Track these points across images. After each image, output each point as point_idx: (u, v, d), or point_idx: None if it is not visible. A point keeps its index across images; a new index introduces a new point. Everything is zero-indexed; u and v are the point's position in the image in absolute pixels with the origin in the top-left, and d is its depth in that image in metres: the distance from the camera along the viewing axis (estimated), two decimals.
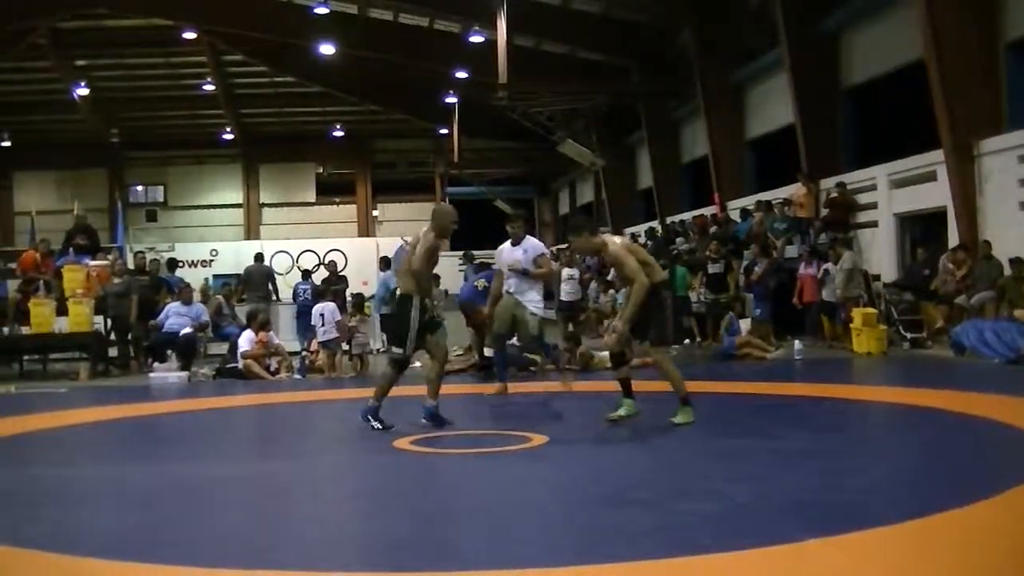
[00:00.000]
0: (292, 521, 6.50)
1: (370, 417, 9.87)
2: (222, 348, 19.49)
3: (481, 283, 16.37)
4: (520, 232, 12.84)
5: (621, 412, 9.75)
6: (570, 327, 19.89)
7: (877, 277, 20.74)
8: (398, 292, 11.05)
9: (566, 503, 6.65)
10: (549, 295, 17.69)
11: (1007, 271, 16.95)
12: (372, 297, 19.85)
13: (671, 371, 9.88)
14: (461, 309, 16.85)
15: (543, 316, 13.43)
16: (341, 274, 23.33)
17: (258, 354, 17.70)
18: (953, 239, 18.76)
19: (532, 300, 12.70)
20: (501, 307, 12.73)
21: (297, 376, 17.63)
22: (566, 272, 21.82)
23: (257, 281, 22.61)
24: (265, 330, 18.14)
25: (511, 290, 12.64)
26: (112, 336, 19.62)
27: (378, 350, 19.65)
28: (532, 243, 12.92)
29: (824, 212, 22.51)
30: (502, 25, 28.05)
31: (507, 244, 12.89)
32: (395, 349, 10.44)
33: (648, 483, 7.17)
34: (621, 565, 5.02)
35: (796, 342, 18.29)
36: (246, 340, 17.80)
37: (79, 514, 6.78)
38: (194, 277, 28.80)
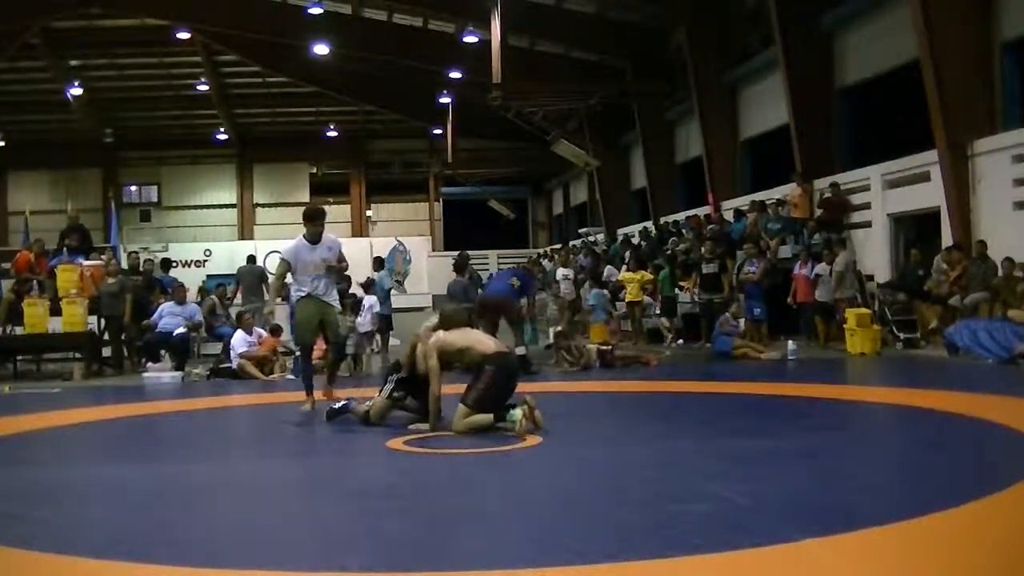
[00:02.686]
0: (287, 521, 6.49)
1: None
2: (216, 348, 19.47)
3: (515, 281, 16.57)
4: (322, 229, 11.92)
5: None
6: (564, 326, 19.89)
7: (871, 277, 20.75)
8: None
9: (561, 503, 6.64)
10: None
11: (1000, 271, 16.95)
12: (351, 295, 19.77)
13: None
14: (494, 306, 16.65)
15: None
16: (345, 274, 23.23)
17: (261, 356, 17.71)
18: (947, 239, 18.77)
19: (336, 300, 12.17)
20: (306, 314, 11.88)
21: (291, 376, 17.61)
22: (561, 272, 21.89)
23: (250, 282, 22.59)
24: (276, 335, 18.16)
25: (317, 292, 11.77)
26: (106, 336, 19.61)
27: (372, 350, 19.60)
28: (333, 240, 12.09)
29: (818, 212, 22.52)
30: (496, 25, 28.07)
31: (302, 243, 11.82)
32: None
33: (644, 483, 7.16)
34: (617, 565, 5.02)
35: (790, 342, 18.30)
36: (240, 341, 17.78)
37: (74, 514, 6.77)
38: (188, 277, 28.79)
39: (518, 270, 16.93)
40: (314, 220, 11.87)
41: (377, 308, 18.86)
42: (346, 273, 22.95)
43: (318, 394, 11.82)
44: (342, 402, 10.82)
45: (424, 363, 9.95)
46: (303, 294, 11.79)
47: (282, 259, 11.93)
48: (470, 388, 9.65)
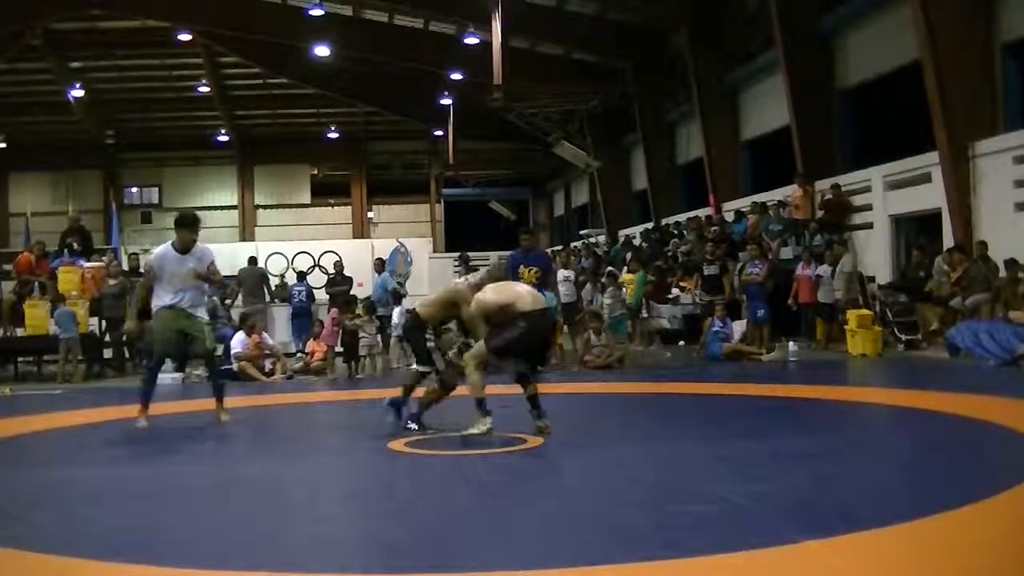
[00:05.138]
0: (288, 523, 6.48)
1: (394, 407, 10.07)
2: (217, 350, 19.46)
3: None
4: (196, 238, 11.23)
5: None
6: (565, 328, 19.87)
7: (872, 279, 20.74)
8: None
9: (562, 505, 6.64)
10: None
11: (1002, 272, 16.94)
12: (367, 298, 19.79)
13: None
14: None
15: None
16: (346, 275, 23.23)
17: (252, 356, 17.71)
18: (948, 241, 18.76)
19: (204, 313, 11.47)
20: (165, 325, 11.05)
21: (290, 377, 17.68)
22: (562, 273, 21.80)
23: (251, 284, 22.59)
24: (257, 332, 18.14)
25: (181, 304, 11.01)
26: (107, 338, 19.61)
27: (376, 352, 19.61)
28: (204, 249, 11.30)
29: (819, 214, 22.51)
30: (497, 27, 28.08)
31: (170, 252, 11.08)
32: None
33: (644, 484, 7.16)
34: (618, 567, 5.01)
35: (791, 344, 18.30)
36: (239, 342, 17.81)
37: (75, 515, 6.77)
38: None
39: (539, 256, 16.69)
40: (187, 227, 11.19)
41: (391, 285, 19.05)
42: (347, 275, 23.06)
43: (155, 408, 11.37)
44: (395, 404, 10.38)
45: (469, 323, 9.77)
46: (164, 304, 11.00)
47: (148, 267, 11.39)
48: (497, 333, 9.45)
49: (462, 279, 10.61)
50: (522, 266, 15.15)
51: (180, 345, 11.27)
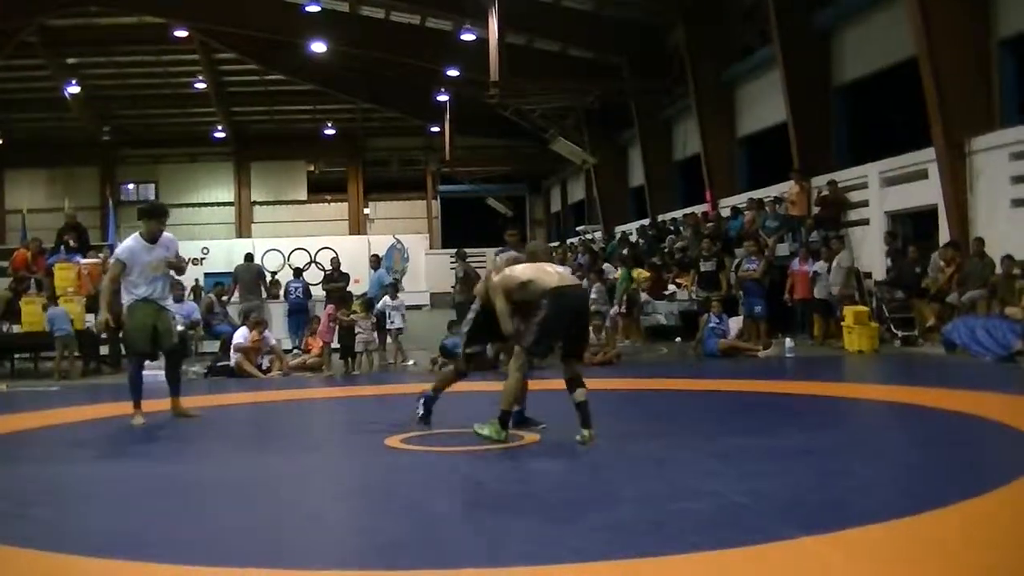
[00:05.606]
0: (285, 520, 6.48)
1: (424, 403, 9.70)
2: (213, 346, 19.46)
3: None
4: (163, 227, 11.21)
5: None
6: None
7: (868, 275, 20.75)
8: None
9: (559, 501, 6.63)
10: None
11: (999, 268, 16.95)
12: (363, 295, 19.78)
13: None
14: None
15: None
16: (343, 271, 23.23)
17: (250, 348, 17.70)
18: (944, 237, 18.76)
19: (172, 305, 11.70)
20: (141, 319, 11.00)
21: (287, 374, 17.68)
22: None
23: (247, 280, 22.59)
24: (259, 330, 18.14)
25: (154, 296, 11.04)
26: (103, 334, 19.59)
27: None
28: (170, 238, 11.28)
29: (816, 210, 22.50)
30: (494, 23, 28.03)
31: (139, 242, 11.05)
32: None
33: (642, 481, 7.16)
34: (615, 563, 5.02)
35: (787, 340, 18.32)
36: (241, 335, 17.82)
37: (71, 512, 6.78)
38: (185, 275, 28.69)
39: None
40: (155, 217, 11.20)
41: (403, 309, 19.05)
42: (343, 271, 23.05)
43: (153, 404, 11.31)
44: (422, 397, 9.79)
45: (492, 299, 9.21)
46: (139, 297, 10.96)
47: (116, 260, 11.20)
48: (525, 327, 8.94)
49: (499, 259, 9.94)
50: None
51: (151, 338, 11.12)
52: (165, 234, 11.22)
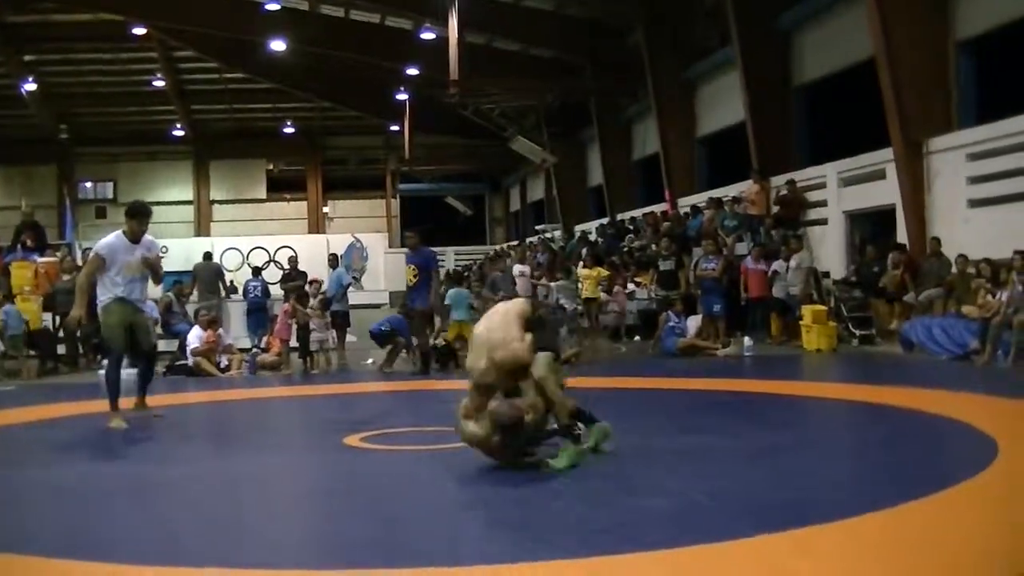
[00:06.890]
0: (244, 519, 6.46)
1: None
2: (172, 345, 19.32)
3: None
4: (146, 228, 11.04)
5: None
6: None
7: (827, 274, 20.85)
8: None
9: (518, 500, 6.62)
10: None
11: (955, 268, 17.07)
12: (322, 293, 19.70)
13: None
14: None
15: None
16: (300, 269, 23.14)
17: (208, 351, 17.62)
18: (902, 237, 18.88)
19: (147, 307, 11.57)
20: (119, 318, 10.81)
21: (247, 373, 17.58)
22: (517, 268, 21.78)
23: (206, 279, 22.50)
24: (214, 328, 18.05)
25: (132, 296, 10.87)
26: (60, 333, 19.45)
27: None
28: (151, 240, 11.17)
29: (775, 209, 22.60)
30: (454, 22, 27.99)
31: (122, 240, 10.84)
32: None
33: (602, 479, 7.15)
34: (576, 561, 5.02)
35: (746, 339, 18.39)
36: (195, 337, 17.72)
37: (29, 514, 6.70)
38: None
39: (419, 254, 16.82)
40: (139, 217, 11.01)
41: (346, 280, 19.06)
42: (301, 270, 22.91)
43: (127, 402, 11.20)
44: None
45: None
46: (116, 296, 10.77)
47: (95, 254, 10.91)
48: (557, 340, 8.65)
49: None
50: (406, 265, 15.61)
51: (129, 339, 10.97)
52: (148, 236, 11.08)
